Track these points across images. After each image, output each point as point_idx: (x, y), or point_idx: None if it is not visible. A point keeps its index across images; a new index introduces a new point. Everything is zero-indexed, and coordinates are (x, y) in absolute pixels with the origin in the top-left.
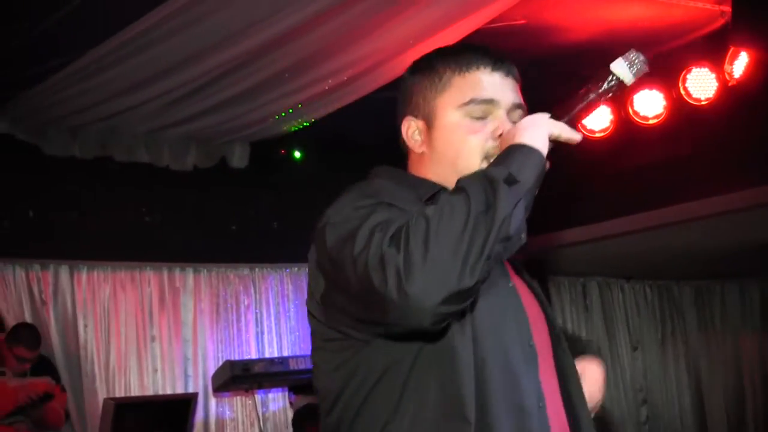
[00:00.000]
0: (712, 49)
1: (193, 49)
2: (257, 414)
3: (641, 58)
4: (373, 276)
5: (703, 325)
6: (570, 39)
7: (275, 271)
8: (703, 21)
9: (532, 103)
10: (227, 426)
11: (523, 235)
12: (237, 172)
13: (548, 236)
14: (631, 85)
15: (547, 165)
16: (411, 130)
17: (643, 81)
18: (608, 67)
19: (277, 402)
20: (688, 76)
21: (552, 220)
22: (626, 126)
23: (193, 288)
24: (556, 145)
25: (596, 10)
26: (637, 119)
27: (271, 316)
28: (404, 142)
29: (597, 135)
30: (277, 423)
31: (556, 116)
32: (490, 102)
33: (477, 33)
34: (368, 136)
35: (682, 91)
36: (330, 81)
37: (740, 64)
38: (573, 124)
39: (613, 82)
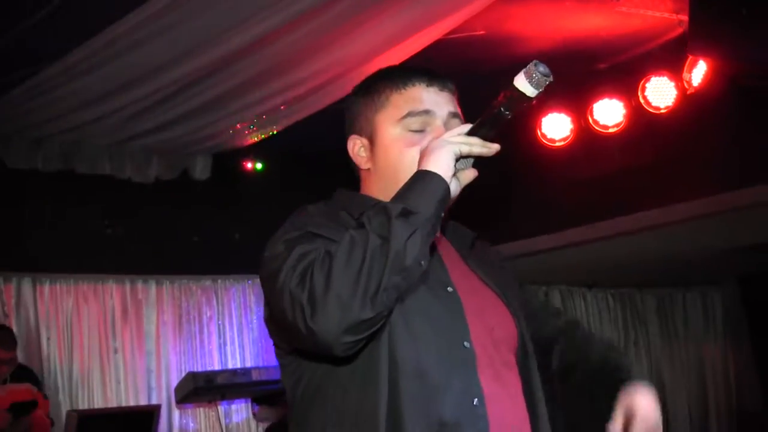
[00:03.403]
0: (670, 57)
1: (156, 61)
2: (220, 425)
3: (541, 69)
4: (286, 312)
5: (666, 333)
6: (529, 49)
7: (238, 282)
8: (661, 30)
9: None
10: None
11: (424, 263)
12: (199, 184)
13: (510, 245)
14: (535, 97)
15: (471, 176)
16: (356, 148)
17: (602, 90)
18: (512, 82)
19: (241, 413)
20: (647, 85)
21: (514, 229)
22: (586, 134)
23: (156, 300)
24: (477, 158)
25: (556, 21)
26: (596, 128)
27: (233, 328)
28: (352, 160)
29: (557, 144)
30: None
31: (470, 131)
32: (426, 113)
33: (436, 44)
34: (329, 148)
35: (642, 100)
36: (291, 92)
37: (698, 72)
38: (485, 137)
39: (516, 97)
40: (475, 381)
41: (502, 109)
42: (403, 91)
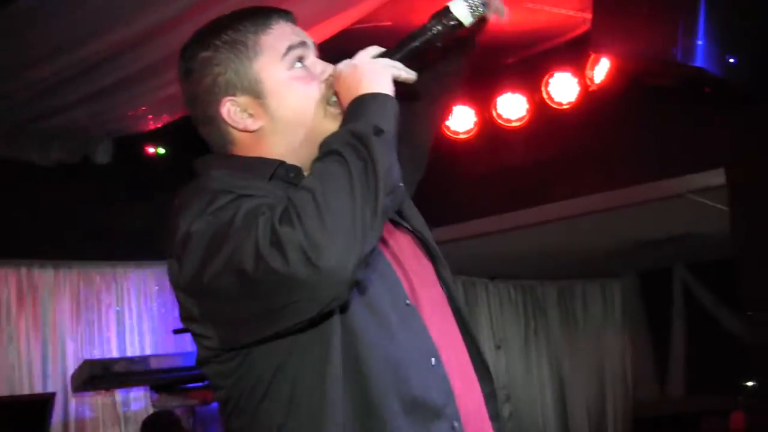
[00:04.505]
0: (574, 54)
1: (56, 42)
2: (118, 414)
3: None
4: (270, 260)
5: (566, 324)
6: None
7: (138, 269)
8: (566, 27)
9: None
10: (87, 426)
11: (401, 184)
12: (100, 169)
13: None
14: (468, 27)
15: None
16: (233, 110)
17: (506, 84)
18: (447, 6)
19: (139, 401)
20: (550, 81)
21: None
22: (490, 128)
23: (54, 286)
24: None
25: None
26: (500, 121)
27: (132, 315)
28: (227, 127)
29: (461, 136)
30: (138, 423)
31: (390, 55)
32: (303, 45)
33: (343, 34)
34: None
35: (545, 95)
36: None
37: (601, 69)
38: (409, 63)
39: (451, 23)
40: (427, 339)
41: (434, 32)
42: (270, 30)
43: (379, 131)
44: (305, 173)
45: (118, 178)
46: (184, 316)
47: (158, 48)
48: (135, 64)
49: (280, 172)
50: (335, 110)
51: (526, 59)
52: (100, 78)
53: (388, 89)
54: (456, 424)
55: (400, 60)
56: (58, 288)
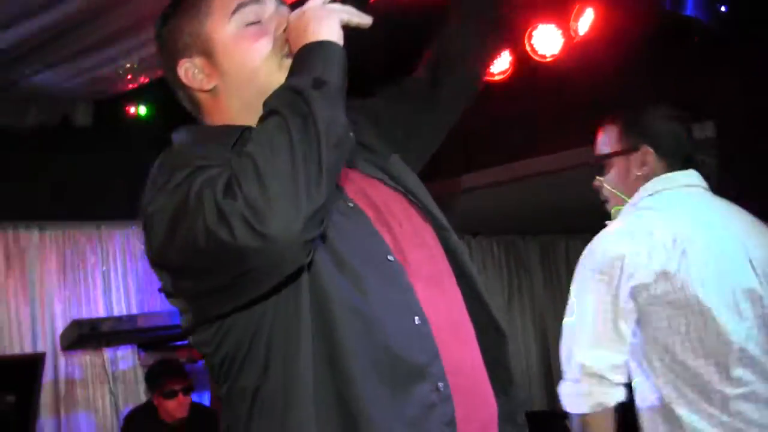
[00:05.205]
0: (558, 5)
1: (33, 1)
2: (106, 372)
3: None
4: (219, 233)
5: (549, 280)
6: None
7: (122, 228)
8: None
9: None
10: (77, 385)
11: (351, 134)
12: (81, 130)
13: None
14: None
15: None
16: (190, 71)
17: None
18: None
19: (127, 360)
20: (534, 33)
21: None
22: None
23: (39, 247)
24: (346, 31)
25: None
26: None
27: (118, 274)
28: (189, 90)
29: None
30: (126, 381)
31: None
32: (257, 1)
33: None
34: None
35: (528, 48)
36: None
37: (585, 20)
38: (361, 6)
39: None
40: (411, 297)
41: None
42: None
43: (320, 83)
44: None
45: (100, 139)
46: (162, 289)
47: (135, 8)
48: (112, 25)
49: (247, 135)
50: (290, 62)
51: (509, 11)
52: (78, 39)
53: (335, 35)
54: (441, 384)
55: (352, 4)
56: (44, 249)
